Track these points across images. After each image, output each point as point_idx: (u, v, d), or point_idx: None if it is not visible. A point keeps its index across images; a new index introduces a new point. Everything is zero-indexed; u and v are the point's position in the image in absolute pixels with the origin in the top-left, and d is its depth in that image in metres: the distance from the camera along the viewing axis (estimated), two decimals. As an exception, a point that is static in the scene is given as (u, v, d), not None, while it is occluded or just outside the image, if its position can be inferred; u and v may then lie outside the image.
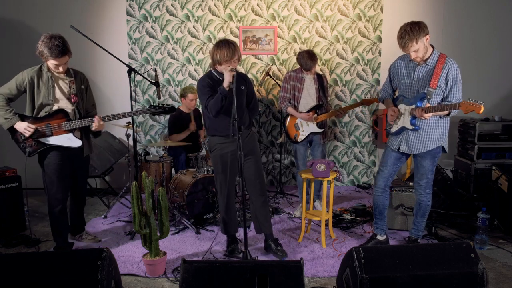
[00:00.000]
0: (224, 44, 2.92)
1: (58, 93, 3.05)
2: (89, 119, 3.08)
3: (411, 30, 2.75)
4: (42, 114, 3.02)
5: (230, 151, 3.05)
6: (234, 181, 3.17)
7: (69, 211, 3.31)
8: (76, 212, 3.43)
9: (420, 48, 2.80)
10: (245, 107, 3.15)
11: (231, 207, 3.17)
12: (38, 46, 2.91)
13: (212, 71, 3.09)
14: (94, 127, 3.10)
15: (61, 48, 2.88)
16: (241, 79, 3.10)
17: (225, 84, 2.87)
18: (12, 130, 3.01)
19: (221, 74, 2.99)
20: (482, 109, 2.54)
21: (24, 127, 2.96)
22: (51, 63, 2.96)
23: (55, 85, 3.04)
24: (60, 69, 3.00)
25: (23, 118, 3.00)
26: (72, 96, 3.08)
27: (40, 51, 2.91)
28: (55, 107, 3.04)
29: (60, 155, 3.07)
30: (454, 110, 2.84)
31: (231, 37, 5.08)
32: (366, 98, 5.10)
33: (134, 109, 3.27)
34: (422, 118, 2.83)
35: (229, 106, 2.88)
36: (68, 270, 2.13)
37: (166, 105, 3.33)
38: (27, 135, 2.97)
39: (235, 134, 2.68)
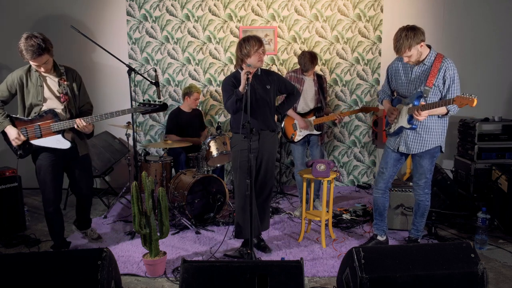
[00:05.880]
0: (249, 37, 3.02)
1: (47, 93, 2.93)
2: (72, 121, 2.92)
3: (406, 37, 2.75)
4: (32, 115, 2.94)
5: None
6: (255, 182, 3.13)
7: (76, 208, 3.42)
8: (81, 209, 3.43)
9: (413, 54, 2.83)
10: (271, 106, 3.16)
11: (247, 209, 2.89)
12: (18, 46, 2.74)
13: (239, 70, 3.07)
14: (76, 127, 2.93)
15: (36, 49, 2.70)
16: (265, 77, 3.14)
17: (241, 87, 2.89)
18: (5, 133, 2.94)
19: None
20: (475, 102, 2.57)
21: (13, 137, 2.88)
22: (31, 63, 2.83)
23: (44, 85, 2.92)
24: (42, 69, 2.86)
25: (14, 120, 2.92)
26: (61, 95, 2.95)
27: (19, 51, 2.75)
28: (44, 107, 2.93)
29: (51, 156, 2.99)
30: (453, 110, 2.85)
31: (231, 37, 5.08)
32: (366, 105, 5.13)
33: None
34: (418, 118, 2.81)
35: (252, 106, 2.93)
36: (68, 270, 2.13)
37: (159, 101, 3.07)
38: (14, 145, 2.90)
39: (246, 136, 2.73)
